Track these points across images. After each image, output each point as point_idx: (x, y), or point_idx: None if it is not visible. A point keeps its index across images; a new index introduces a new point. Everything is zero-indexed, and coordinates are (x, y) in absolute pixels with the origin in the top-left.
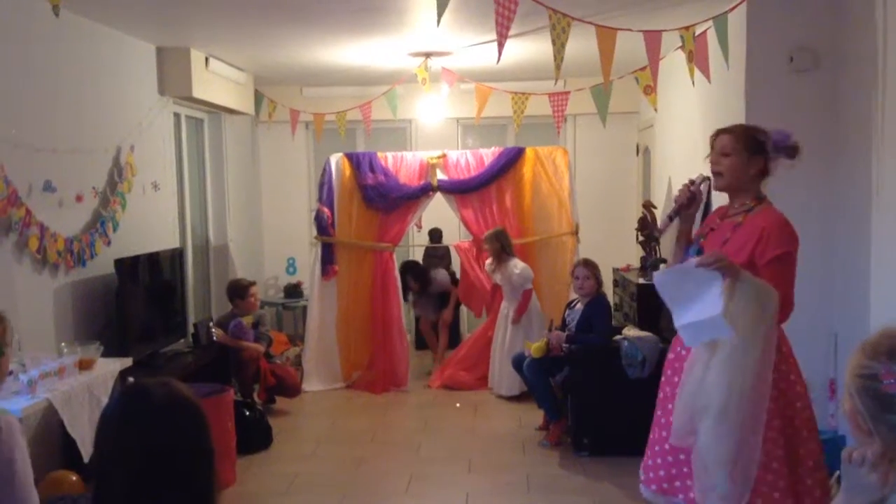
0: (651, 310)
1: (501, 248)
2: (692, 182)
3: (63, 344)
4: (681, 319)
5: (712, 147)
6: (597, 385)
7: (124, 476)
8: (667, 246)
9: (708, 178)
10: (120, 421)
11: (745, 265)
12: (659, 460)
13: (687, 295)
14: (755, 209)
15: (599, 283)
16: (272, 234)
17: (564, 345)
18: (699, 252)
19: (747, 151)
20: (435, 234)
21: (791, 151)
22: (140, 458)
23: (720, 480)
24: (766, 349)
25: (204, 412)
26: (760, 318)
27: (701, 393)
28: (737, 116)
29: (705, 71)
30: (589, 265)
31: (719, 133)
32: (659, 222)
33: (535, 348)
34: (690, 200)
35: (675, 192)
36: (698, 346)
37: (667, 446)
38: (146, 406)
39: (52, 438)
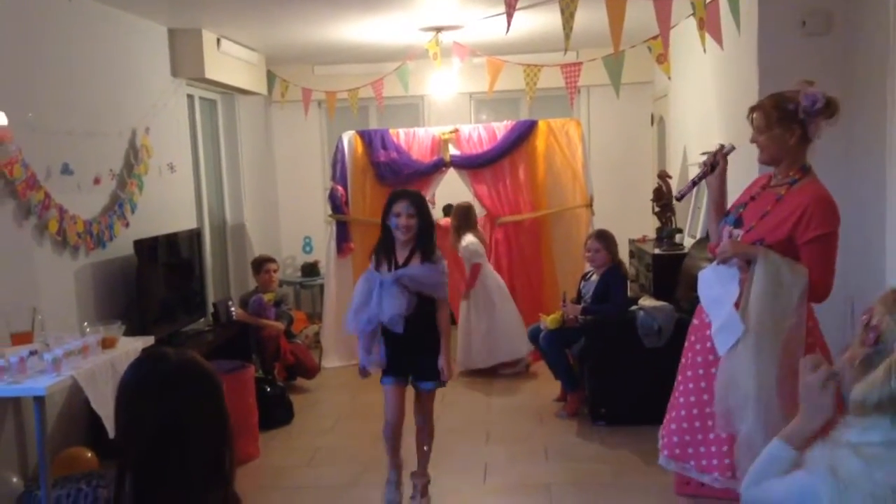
0: (666, 280)
1: (458, 223)
2: (722, 147)
3: (85, 323)
4: (714, 324)
5: (751, 124)
6: (613, 355)
7: (138, 443)
8: (682, 216)
9: (734, 148)
10: (134, 385)
11: (782, 242)
12: (673, 426)
13: (714, 297)
14: (799, 182)
15: (612, 254)
16: (288, 214)
17: (580, 316)
18: (737, 221)
19: (779, 124)
20: (449, 210)
21: (827, 112)
22: (152, 424)
23: None
24: (792, 329)
25: (220, 382)
26: (784, 298)
27: (734, 383)
28: (749, 82)
29: (717, 37)
30: (601, 237)
31: (751, 111)
32: (675, 191)
33: (550, 320)
34: (712, 167)
35: (696, 160)
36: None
37: (682, 412)
38: (161, 370)
39: (77, 416)
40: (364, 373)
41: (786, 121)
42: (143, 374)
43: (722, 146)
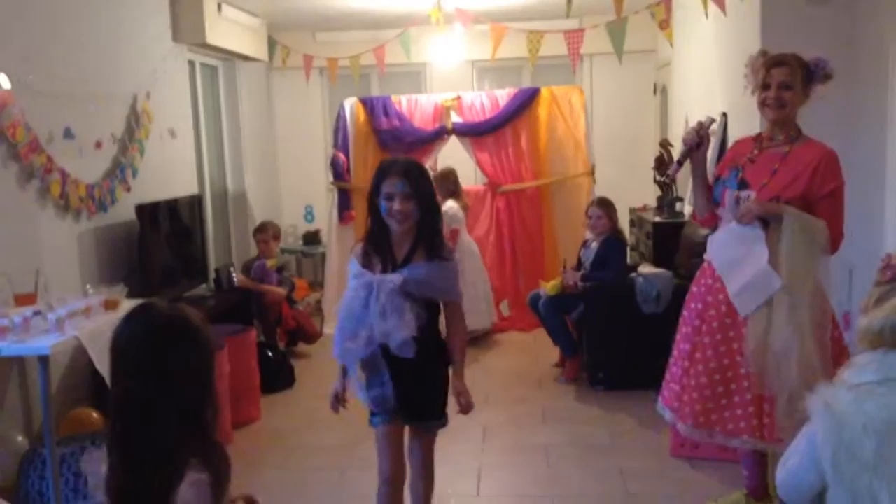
0: (666, 248)
1: (437, 188)
2: (701, 124)
3: (88, 286)
4: (733, 286)
5: (765, 80)
6: (611, 321)
7: (121, 393)
8: (682, 186)
9: (714, 120)
10: (126, 334)
11: (797, 198)
12: (695, 395)
13: (735, 259)
14: (799, 139)
15: (614, 222)
16: (289, 182)
17: (580, 283)
18: (742, 183)
19: (803, 83)
20: None
21: (826, 78)
22: (138, 371)
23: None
24: (821, 282)
25: (207, 337)
26: (812, 252)
27: (766, 344)
28: (752, 50)
29: (720, 3)
30: (603, 204)
31: (774, 65)
32: (671, 169)
33: (550, 287)
34: (699, 143)
35: (684, 133)
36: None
37: (703, 379)
38: (151, 321)
39: (81, 377)
40: (338, 404)
41: (806, 80)
42: (133, 325)
43: (701, 123)
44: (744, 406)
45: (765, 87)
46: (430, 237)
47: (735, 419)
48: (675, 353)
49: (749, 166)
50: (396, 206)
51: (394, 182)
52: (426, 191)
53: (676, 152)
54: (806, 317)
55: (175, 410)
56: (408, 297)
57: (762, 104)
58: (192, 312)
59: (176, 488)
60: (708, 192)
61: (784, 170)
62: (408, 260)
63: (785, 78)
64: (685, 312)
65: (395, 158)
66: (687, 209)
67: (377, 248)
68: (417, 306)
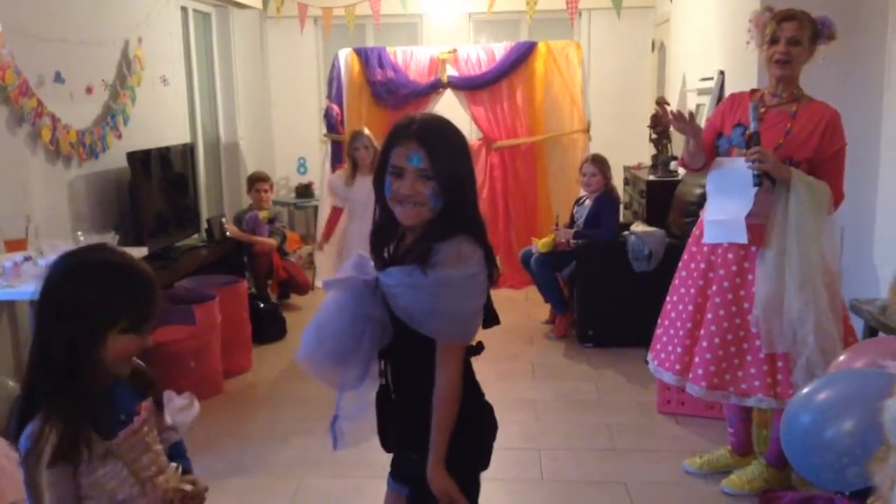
0: (659, 207)
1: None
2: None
3: (79, 233)
4: (711, 214)
5: (775, 34)
6: (602, 279)
7: (36, 339)
8: (678, 144)
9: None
10: (62, 267)
11: (807, 159)
12: (708, 356)
13: (725, 191)
14: (804, 99)
15: (608, 179)
16: (282, 133)
17: (572, 240)
18: (756, 137)
19: (809, 40)
20: None
21: (830, 38)
22: (49, 313)
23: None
24: (828, 242)
25: (148, 279)
26: (819, 216)
27: (774, 304)
28: (751, 6)
29: None
30: (597, 161)
31: (784, 19)
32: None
33: (542, 243)
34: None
35: (695, 87)
36: (761, 262)
37: (716, 340)
38: (66, 264)
39: None
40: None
41: (813, 38)
42: (65, 255)
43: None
44: (757, 365)
45: (773, 41)
46: (432, 234)
47: (749, 378)
48: (671, 313)
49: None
50: (405, 188)
51: (409, 150)
52: (455, 173)
53: (673, 111)
54: (819, 282)
55: (46, 346)
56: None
57: (769, 59)
58: (118, 254)
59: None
60: (705, 145)
61: (795, 130)
62: (396, 258)
63: (794, 33)
64: (683, 273)
65: (414, 116)
66: (681, 169)
67: (383, 237)
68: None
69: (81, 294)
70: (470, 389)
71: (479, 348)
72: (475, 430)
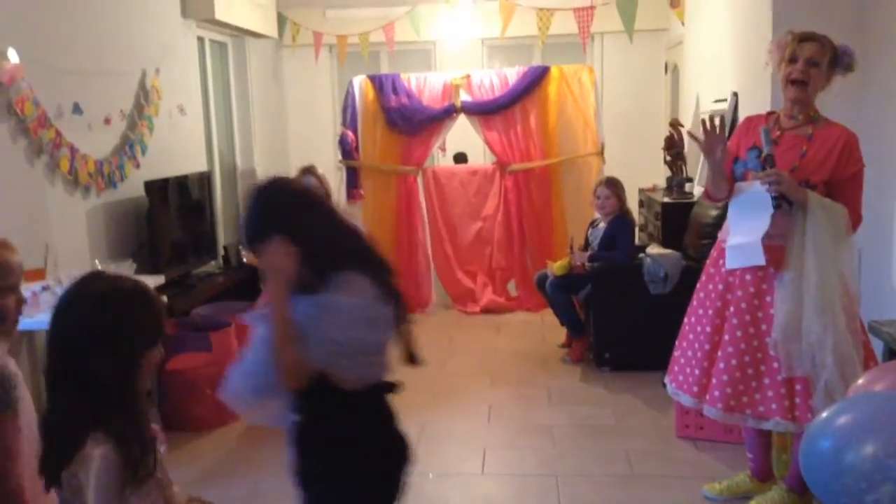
0: (675, 229)
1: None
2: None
3: (97, 261)
4: (731, 240)
5: (794, 53)
6: (618, 302)
7: (63, 348)
8: (693, 165)
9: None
10: (72, 296)
11: (824, 182)
12: (725, 378)
13: (745, 216)
14: (820, 121)
15: (622, 202)
16: (298, 160)
17: (587, 263)
18: (764, 165)
19: (829, 64)
20: (460, 158)
21: (848, 69)
22: (57, 345)
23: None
24: (846, 264)
25: (149, 297)
26: (837, 239)
27: (793, 328)
28: (764, 28)
29: None
30: (611, 184)
31: (805, 39)
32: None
33: (557, 266)
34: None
35: (709, 109)
36: (780, 286)
37: (733, 362)
38: (95, 285)
39: None
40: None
41: (832, 63)
42: (78, 287)
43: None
44: (774, 387)
45: (791, 60)
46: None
47: (766, 401)
48: (689, 335)
49: (776, 149)
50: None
51: None
52: (262, 229)
53: (686, 133)
54: (837, 305)
55: (87, 375)
56: None
57: (786, 79)
58: (109, 280)
59: (73, 457)
60: (728, 175)
61: (812, 152)
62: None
63: (814, 54)
64: (702, 294)
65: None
66: (696, 190)
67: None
68: None
69: (119, 320)
70: (384, 423)
71: (391, 386)
72: (385, 463)
